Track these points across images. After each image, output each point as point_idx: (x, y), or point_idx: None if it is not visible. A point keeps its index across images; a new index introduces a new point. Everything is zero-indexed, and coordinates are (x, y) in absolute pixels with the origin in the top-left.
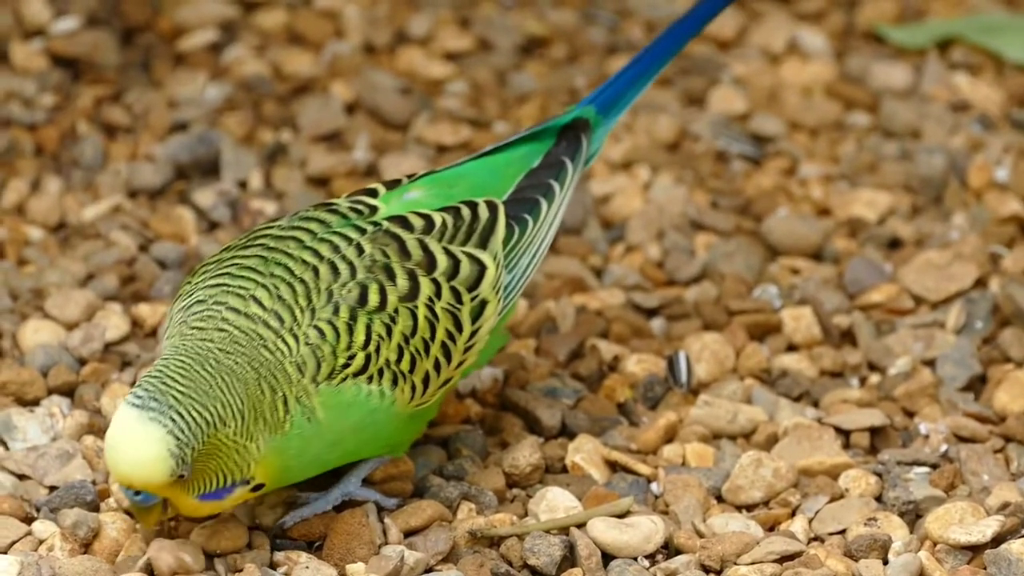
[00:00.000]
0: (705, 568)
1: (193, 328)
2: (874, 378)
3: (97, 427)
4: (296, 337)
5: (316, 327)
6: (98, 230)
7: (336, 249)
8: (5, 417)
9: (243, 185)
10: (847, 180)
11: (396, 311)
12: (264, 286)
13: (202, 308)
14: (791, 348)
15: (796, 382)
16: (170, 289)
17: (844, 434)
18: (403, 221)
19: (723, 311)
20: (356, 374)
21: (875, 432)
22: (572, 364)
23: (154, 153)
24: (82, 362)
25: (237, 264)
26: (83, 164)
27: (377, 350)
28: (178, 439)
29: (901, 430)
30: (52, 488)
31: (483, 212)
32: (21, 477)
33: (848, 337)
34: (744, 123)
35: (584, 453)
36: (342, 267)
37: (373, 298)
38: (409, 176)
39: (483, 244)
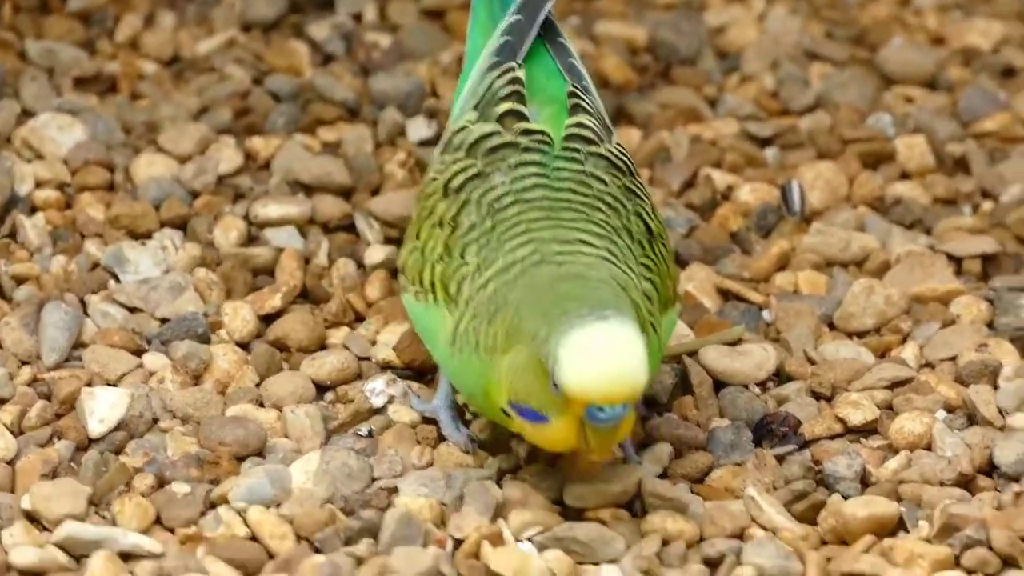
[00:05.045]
0: (816, 395)
1: (538, 267)
2: (987, 205)
3: (209, 260)
4: (633, 270)
5: (642, 263)
6: (212, 64)
7: (587, 185)
8: (117, 250)
9: (357, 18)
10: (961, 9)
11: (659, 226)
12: (578, 229)
13: (529, 253)
14: (904, 176)
15: (909, 210)
16: (283, 122)
17: (956, 261)
18: (585, 140)
19: (837, 140)
20: (666, 302)
21: (987, 259)
22: (685, 193)
23: None
24: (195, 195)
25: (527, 219)
26: None
27: (669, 271)
28: (639, 334)
29: (1013, 257)
30: (163, 320)
31: (586, 99)
32: (132, 310)
33: (961, 165)
34: None
35: (696, 281)
36: (612, 202)
37: (652, 224)
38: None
39: (608, 128)
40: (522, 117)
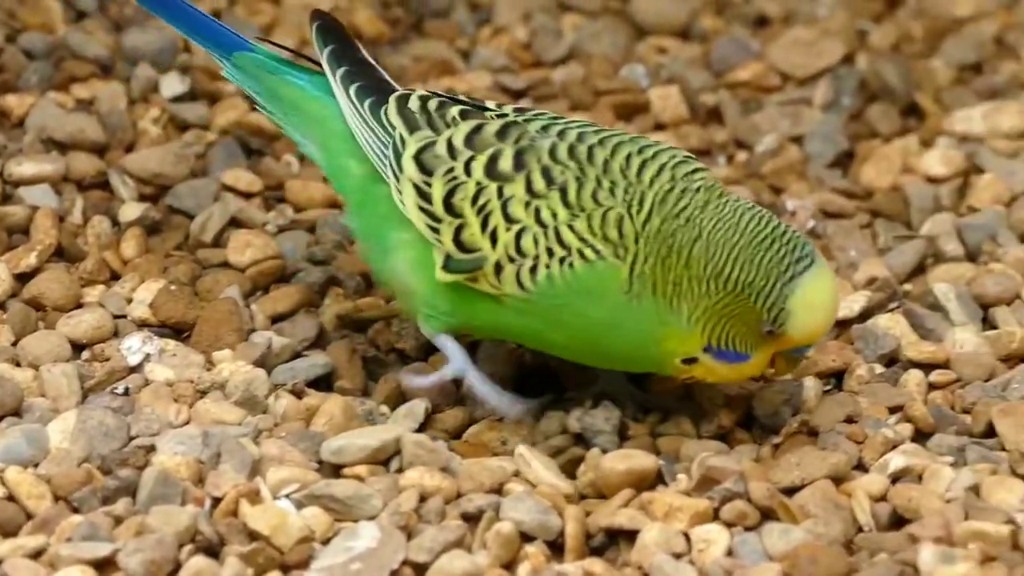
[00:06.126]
0: None
1: (689, 196)
2: (741, 155)
3: None
4: None
5: None
6: None
7: (599, 129)
8: None
9: None
10: None
11: None
12: (668, 149)
13: (668, 179)
14: (659, 127)
15: None
16: (37, 79)
17: None
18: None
19: (590, 91)
20: None
21: None
22: None
23: None
24: None
25: (628, 152)
26: None
27: None
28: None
29: (769, 207)
30: None
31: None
32: None
33: (715, 115)
34: None
35: None
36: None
37: None
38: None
39: None
40: (480, 110)
